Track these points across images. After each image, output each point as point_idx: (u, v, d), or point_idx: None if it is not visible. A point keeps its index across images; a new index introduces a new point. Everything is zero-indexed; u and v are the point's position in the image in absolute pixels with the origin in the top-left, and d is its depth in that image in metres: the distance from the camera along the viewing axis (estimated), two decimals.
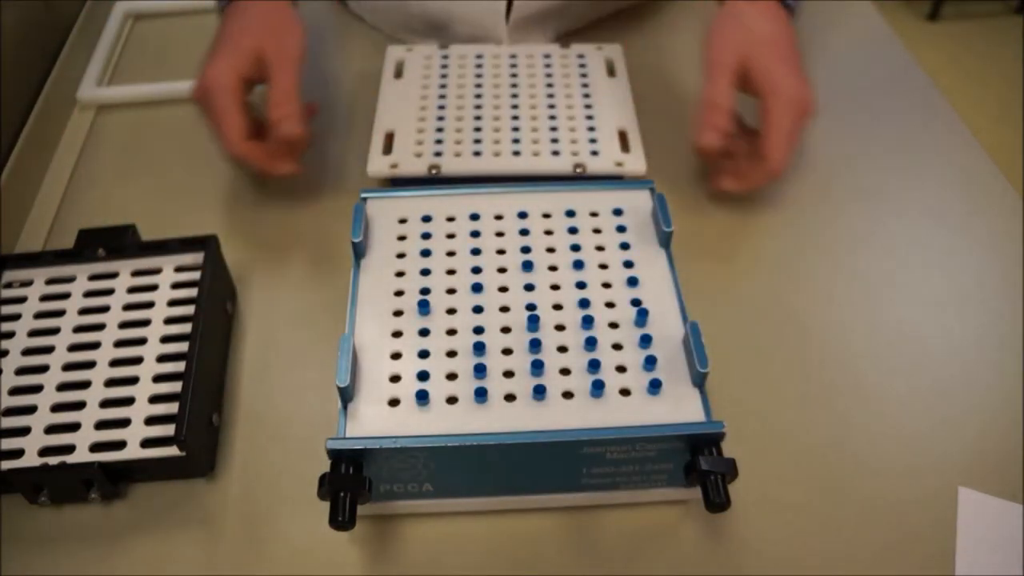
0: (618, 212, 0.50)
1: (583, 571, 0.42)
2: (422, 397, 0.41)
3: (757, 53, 0.55)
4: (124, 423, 0.45)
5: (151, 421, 0.45)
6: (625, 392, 0.41)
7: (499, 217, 0.49)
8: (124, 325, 0.49)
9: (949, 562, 0.43)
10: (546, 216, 0.50)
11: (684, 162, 0.63)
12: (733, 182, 0.57)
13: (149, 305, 0.50)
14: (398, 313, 0.44)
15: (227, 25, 0.57)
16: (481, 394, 0.41)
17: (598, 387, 0.41)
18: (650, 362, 0.42)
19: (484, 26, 0.66)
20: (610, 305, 0.45)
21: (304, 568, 0.42)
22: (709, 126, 0.54)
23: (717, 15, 0.58)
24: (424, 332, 0.43)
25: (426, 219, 0.49)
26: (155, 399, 0.46)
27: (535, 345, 0.43)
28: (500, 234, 0.48)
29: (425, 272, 0.46)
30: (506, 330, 0.44)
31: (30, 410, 0.46)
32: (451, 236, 0.48)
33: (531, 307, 0.45)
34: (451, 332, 0.43)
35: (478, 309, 0.44)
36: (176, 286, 0.51)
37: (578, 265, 0.47)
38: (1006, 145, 1.72)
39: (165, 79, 0.70)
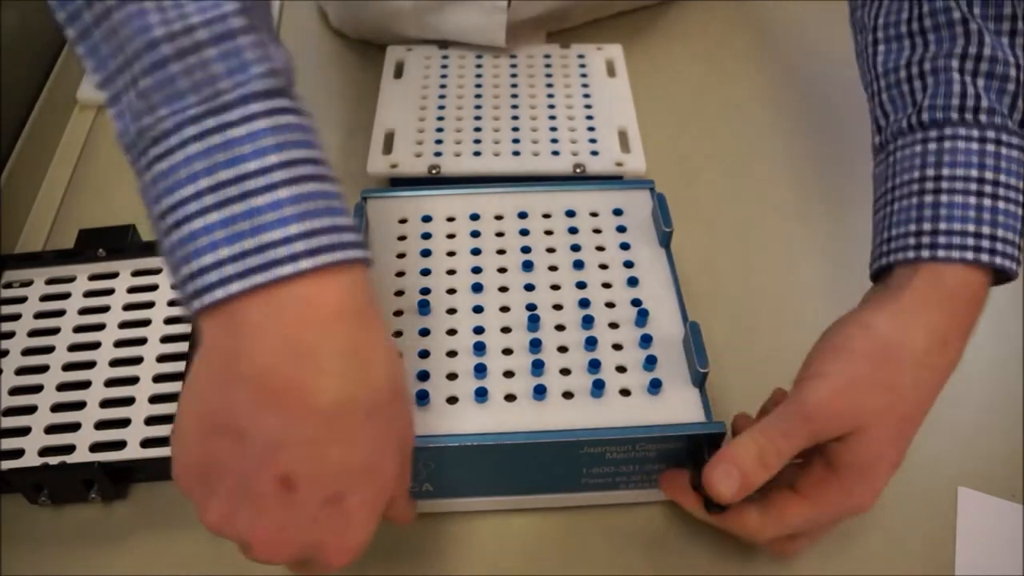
0: (618, 212, 0.50)
1: (583, 571, 0.42)
2: (422, 397, 0.41)
3: (879, 429, 0.37)
4: (124, 423, 0.45)
5: (151, 421, 0.45)
6: (625, 392, 0.41)
7: (499, 217, 0.49)
8: (124, 325, 0.49)
9: (949, 562, 0.43)
10: (546, 216, 0.50)
11: (684, 162, 0.63)
12: (682, 495, 0.41)
13: (149, 305, 0.50)
14: (398, 313, 0.44)
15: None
16: (481, 394, 0.41)
17: (598, 387, 0.41)
18: (650, 362, 0.42)
19: (483, 39, 0.65)
20: (610, 305, 0.45)
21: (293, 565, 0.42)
22: (741, 472, 0.37)
23: (867, 323, 0.38)
24: (424, 332, 0.43)
25: (426, 219, 0.49)
26: (155, 399, 0.46)
27: (535, 345, 0.43)
28: (500, 234, 0.48)
29: (425, 272, 0.46)
30: (506, 330, 0.44)
31: (30, 410, 0.46)
32: (451, 236, 0.48)
33: (531, 307, 0.45)
34: (451, 332, 0.43)
35: (478, 309, 0.44)
36: None
37: (578, 265, 0.47)
38: None
39: None
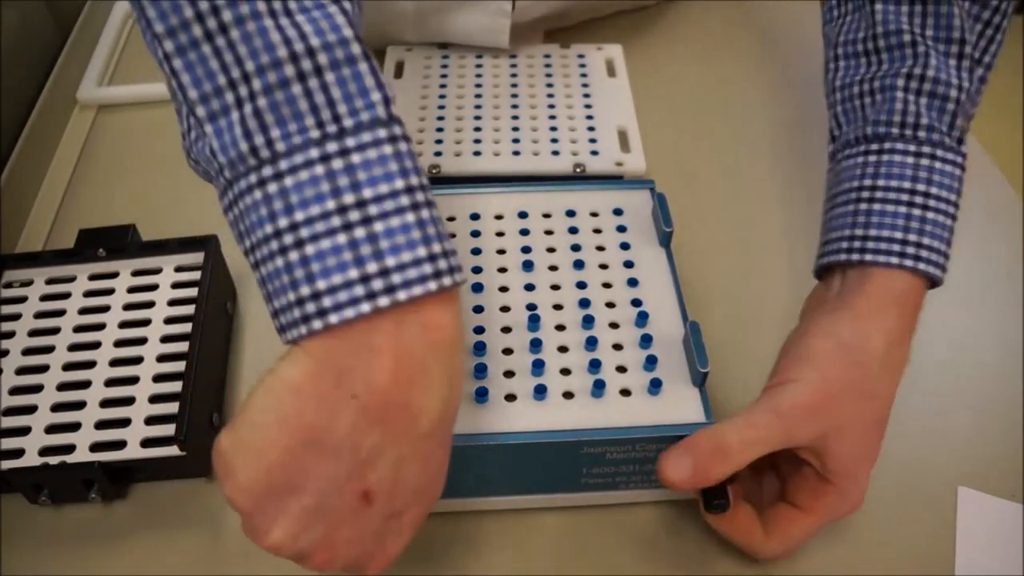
0: (618, 212, 0.50)
1: (583, 571, 0.42)
2: None
3: (856, 433, 0.38)
4: (124, 423, 0.45)
5: (151, 421, 0.45)
6: (626, 392, 0.41)
7: (499, 217, 0.49)
8: (124, 325, 0.49)
9: (949, 562, 0.43)
10: (546, 216, 0.50)
11: (684, 162, 0.63)
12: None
13: (149, 305, 0.50)
14: None
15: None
16: (482, 394, 0.41)
17: (599, 387, 0.41)
18: (650, 362, 0.42)
19: (486, 41, 0.65)
20: (610, 305, 0.45)
21: (296, 567, 0.42)
22: (694, 461, 0.37)
23: (832, 332, 0.40)
24: None
25: None
26: (155, 399, 0.46)
27: (536, 345, 0.43)
28: (500, 234, 0.48)
29: None
30: (506, 330, 0.44)
31: (30, 410, 0.46)
32: (451, 236, 0.48)
33: (531, 307, 0.45)
34: None
35: (478, 309, 0.44)
36: (176, 286, 0.51)
37: (578, 265, 0.47)
38: (1006, 145, 1.72)
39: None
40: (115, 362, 0.48)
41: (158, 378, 0.47)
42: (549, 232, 0.49)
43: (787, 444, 0.38)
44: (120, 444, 0.44)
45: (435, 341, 0.30)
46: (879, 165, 0.42)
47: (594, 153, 0.58)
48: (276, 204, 0.29)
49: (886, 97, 0.43)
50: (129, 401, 0.46)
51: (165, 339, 0.48)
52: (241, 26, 0.29)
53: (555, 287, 0.46)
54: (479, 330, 0.43)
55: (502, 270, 0.47)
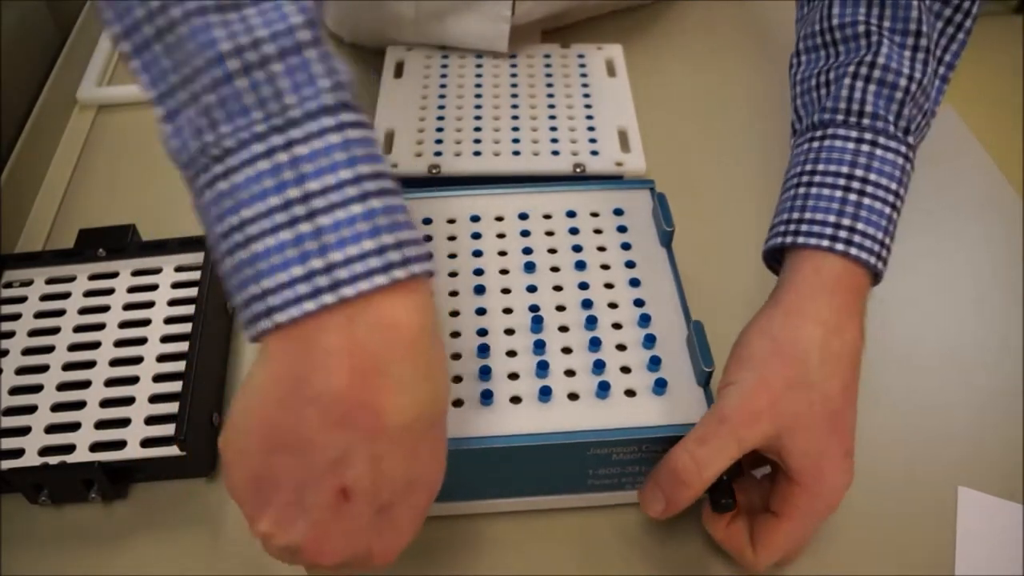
0: (619, 212, 0.50)
1: (590, 571, 0.42)
2: None
3: (807, 427, 0.37)
4: (124, 423, 0.45)
5: (151, 421, 0.45)
6: (630, 393, 0.41)
7: (500, 219, 0.49)
8: (124, 325, 0.49)
9: (949, 562, 0.43)
10: (547, 217, 0.50)
11: (684, 161, 0.63)
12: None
13: (149, 305, 0.50)
14: None
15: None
16: (486, 396, 0.41)
17: (603, 388, 0.41)
18: (654, 362, 0.42)
19: (485, 46, 0.65)
20: (613, 306, 0.45)
21: (300, 568, 0.42)
22: (664, 495, 0.38)
23: (763, 330, 0.40)
24: None
25: (426, 221, 0.49)
26: (155, 399, 0.46)
27: (539, 346, 0.43)
28: (501, 235, 0.48)
29: None
30: (510, 332, 0.43)
31: (30, 410, 0.46)
32: (452, 238, 0.48)
33: (534, 308, 0.45)
34: (455, 335, 0.43)
35: (481, 311, 0.44)
36: (176, 286, 0.51)
37: (580, 266, 0.47)
38: (1006, 145, 1.73)
39: None
40: (115, 362, 0.48)
41: (158, 378, 0.47)
42: (550, 233, 0.49)
43: (742, 450, 0.37)
44: (120, 444, 0.44)
45: (393, 338, 0.29)
46: (820, 151, 0.42)
47: (594, 153, 0.58)
48: (226, 202, 0.29)
49: (837, 86, 0.43)
50: (129, 401, 0.46)
51: (165, 339, 0.48)
52: (187, 22, 0.28)
53: (557, 288, 0.46)
54: (482, 332, 0.43)
55: (504, 272, 0.47)
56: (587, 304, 0.45)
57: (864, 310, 0.40)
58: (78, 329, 0.49)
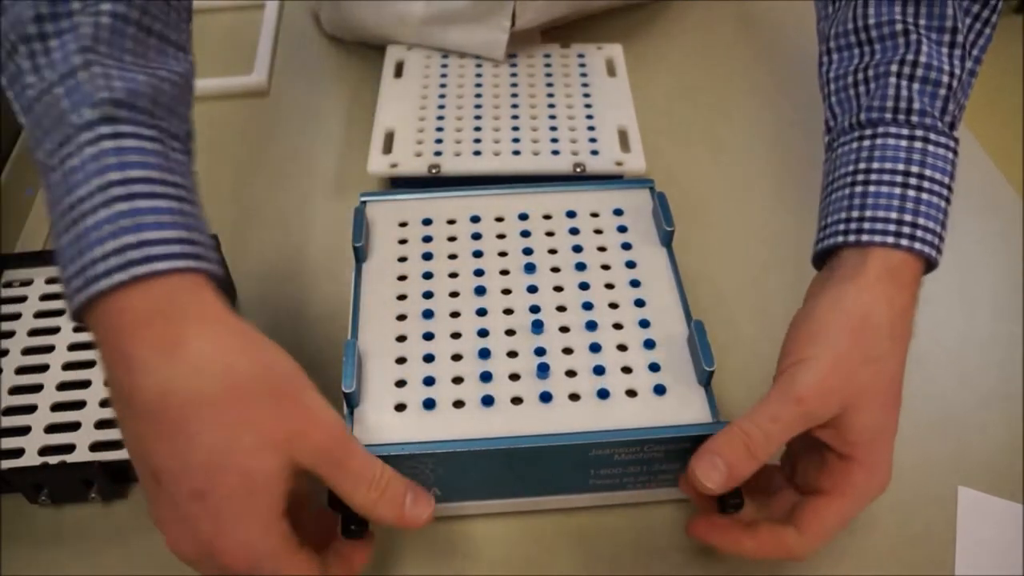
0: (619, 212, 0.50)
1: (591, 571, 0.42)
2: (428, 402, 0.40)
3: (872, 401, 0.38)
4: None
5: None
6: (631, 393, 0.41)
7: (500, 219, 0.49)
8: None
9: (949, 562, 0.43)
10: (547, 217, 0.50)
11: (684, 161, 0.63)
12: (713, 534, 0.40)
13: None
14: (401, 317, 0.44)
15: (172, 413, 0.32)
16: (488, 397, 0.41)
17: (604, 388, 0.41)
18: (655, 362, 0.42)
19: (482, 53, 0.66)
20: (613, 306, 0.45)
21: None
22: (726, 461, 0.37)
23: (835, 305, 0.39)
24: (428, 336, 0.43)
25: (426, 222, 0.49)
26: None
27: (540, 347, 0.43)
28: (501, 236, 0.48)
29: (427, 275, 0.46)
30: (510, 332, 0.43)
31: (30, 409, 0.46)
32: (452, 239, 0.48)
33: (535, 309, 0.44)
34: (455, 336, 0.43)
35: (482, 312, 0.44)
36: None
37: (580, 266, 0.47)
38: (1006, 145, 1.73)
39: None
40: None
41: None
42: (550, 233, 0.49)
43: (808, 427, 0.38)
44: (120, 444, 0.44)
45: (121, 324, 0.32)
46: (873, 149, 0.42)
47: (594, 153, 0.58)
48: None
49: (880, 84, 0.44)
50: None
51: None
52: (9, 66, 0.35)
53: (558, 289, 0.46)
54: (483, 333, 0.43)
55: (504, 272, 0.47)
56: (588, 305, 0.45)
57: (917, 300, 0.41)
58: (78, 329, 0.49)
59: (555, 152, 0.58)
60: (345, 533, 0.38)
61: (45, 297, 0.51)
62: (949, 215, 0.42)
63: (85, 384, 0.47)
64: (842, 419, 0.38)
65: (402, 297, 0.45)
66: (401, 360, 0.42)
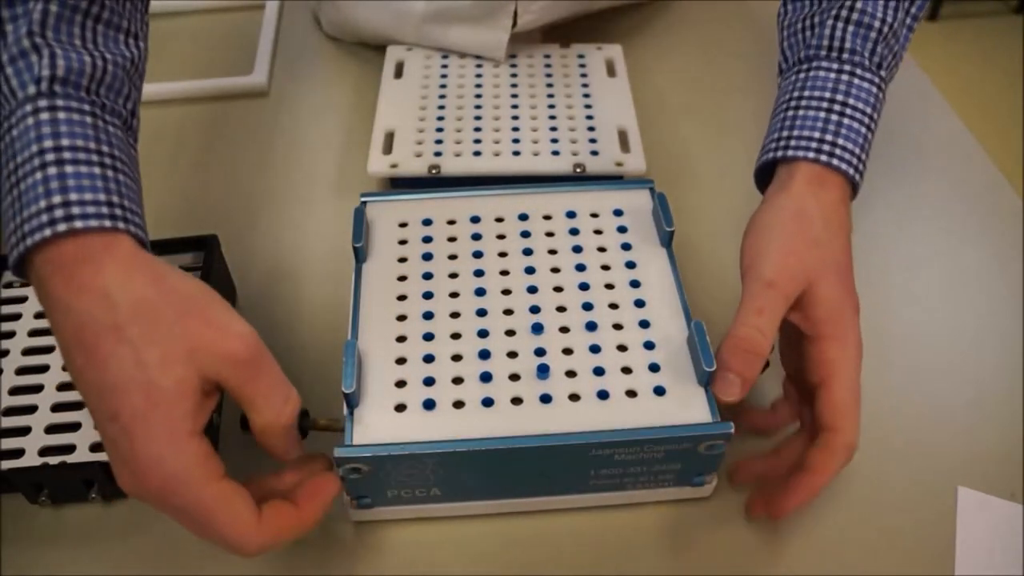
0: (618, 212, 0.50)
1: (591, 571, 0.42)
2: (428, 402, 0.40)
3: (826, 277, 0.42)
4: None
5: None
6: (631, 393, 0.41)
7: (500, 219, 0.49)
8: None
9: (949, 562, 0.43)
10: (547, 218, 0.50)
11: (684, 161, 0.63)
12: (765, 507, 0.42)
13: None
14: (401, 318, 0.44)
15: (95, 336, 0.35)
16: (487, 398, 0.41)
17: (605, 389, 0.41)
18: (655, 362, 0.42)
19: (482, 53, 0.66)
20: (613, 306, 0.45)
21: (307, 569, 0.42)
22: (735, 372, 0.40)
23: (772, 205, 0.45)
24: (428, 336, 0.43)
25: (426, 222, 0.49)
26: None
27: (540, 347, 0.43)
28: (501, 236, 0.48)
29: (427, 276, 0.46)
30: (510, 333, 0.43)
31: (30, 410, 0.46)
32: (452, 239, 0.48)
33: (535, 310, 0.44)
34: (455, 336, 0.43)
35: (482, 312, 0.44)
36: None
37: (580, 267, 0.47)
38: (1006, 145, 1.73)
39: (164, 79, 0.70)
40: None
41: None
42: (550, 234, 0.49)
43: (786, 307, 0.41)
44: None
45: (47, 273, 0.35)
46: (806, 80, 0.48)
47: (594, 153, 0.58)
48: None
49: (821, 26, 0.49)
50: None
51: None
52: None
53: (558, 289, 0.46)
54: (483, 333, 0.43)
55: (504, 273, 0.47)
56: (588, 306, 0.45)
57: (849, 205, 0.46)
58: None
59: (555, 152, 0.58)
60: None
61: None
62: (871, 143, 0.47)
63: None
64: (805, 296, 0.42)
65: (402, 297, 0.45)
66: (401, 360, 0.42)
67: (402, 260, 0.47)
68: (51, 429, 0.45)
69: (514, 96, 0.62)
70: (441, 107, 0.62)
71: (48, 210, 0.35)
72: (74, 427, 0.45)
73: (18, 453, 0.44)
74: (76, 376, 0.36)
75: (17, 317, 0.50)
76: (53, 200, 0.35)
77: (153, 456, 0.34)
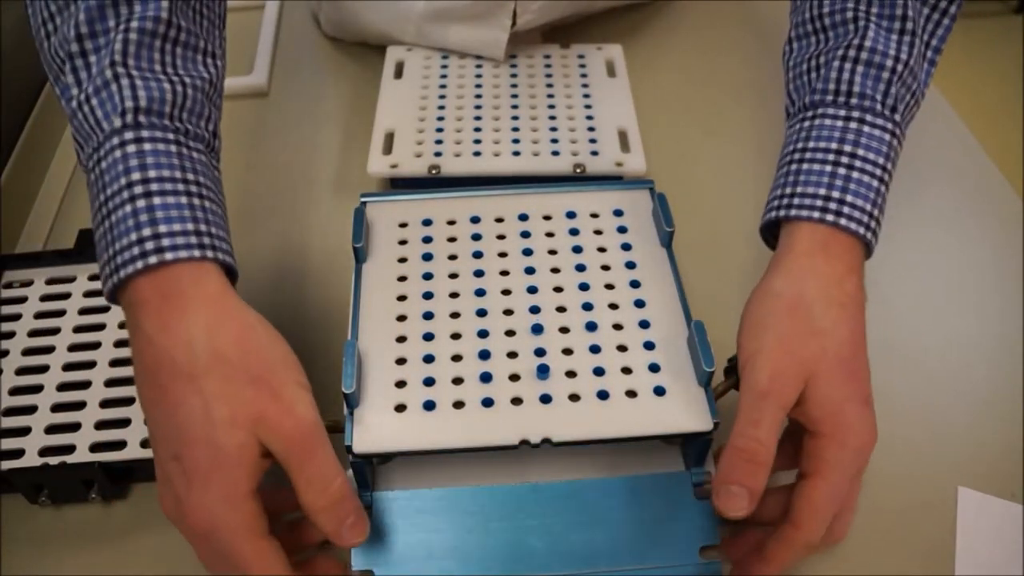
0: (618, 213, 0.50)
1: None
2: (428, 403, 0.40)
3: (825, 373, 0.39)
4: (124, 423, 0.45)
5: None
6: (631, 394, 0.41)
7: (500, 220, 0.49)
8: (124, 325, 0.49)
9: (949, 562, 0.43)
10: (547, 218, 0.49)
11: (684, 161, 0.63)
12: (762, 566, 0.40)
13: None
14: (401, 318, 0.44)
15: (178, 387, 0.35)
16: (488, 398, 0.41)
17: (605, 389, 0.41)
18: (655, 363, 0.42)
19: (482, 52, 0.66)
20: (613, 306, 0.45)
21: (306, 568, 0.42)
22: (738, 484, 0.38)
23: (768, 291, 0.42)
24: (428, 337, 0.43)
25: (426, 223, 0.49)
26: None
27: (540, 348, 0.43)
28: (501, 237, 0.48)
29: (427, 276, 0.46)
30: (510, 333, 0.43)
31: (30, 410, 0.46)
32: (452, 239, 0.48)
33: (535, 310, 0.44)
34: (455, 336, 0.43)
35: (482, 312, 0.44)
36: None
37: (580, 267, 0.47)
38: (1006, 145, 1.73)
39: None
40: (115, 362, 0.48)
41: None
42: (550, 234, 0.49)
43: (785, 412, 0.39)
44: (120, 444, 0.44)
45: (136, 303, 0.37)
46: (811, 129, 0.44)
47: (594, 153, 0.58)
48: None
49: (826, 68, 0.45)
50: (129, 401, 0.46)
51: None
52: (58, 83, 0.42)
53: (558, 289, 0.46)
54: (483, 334, 0.43)
55: (504, 273, 0.46)
56: (587, 306, 0.45)
57: (862, 271, 0.42)
58: (78, 329, 0.49)
59: (555, 153, 0.58)
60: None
61: (45, 298, 0.51)
62: (885, 198, 0.43)
63: (85, 385, 0.47)
64: (804, 394, 0.39)
65: (402, 298, 0.45)
66: (401, 361, 0.42)
67: (402, 260, 0.47)
68: (51, 429, 0.45)
69: (514, 96, 0.62)
70: (441, 107, 0.62)
71: (139, 243, 0.36)
72: (74, 427, 0.45)
73: (18, 453, 0.44)
74: (144, 403, 0.37)
75: (17, 317, 0.50)
76: (143, 232, 0.37)
77: (206, 507, 0.35)
